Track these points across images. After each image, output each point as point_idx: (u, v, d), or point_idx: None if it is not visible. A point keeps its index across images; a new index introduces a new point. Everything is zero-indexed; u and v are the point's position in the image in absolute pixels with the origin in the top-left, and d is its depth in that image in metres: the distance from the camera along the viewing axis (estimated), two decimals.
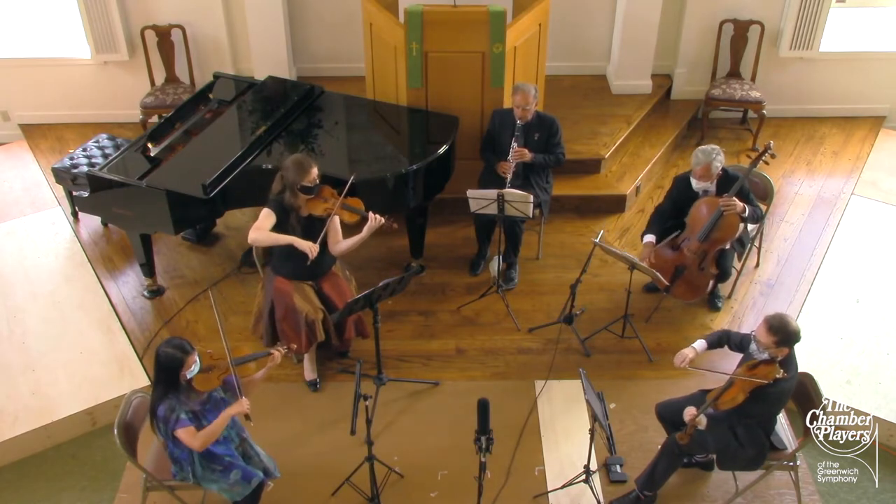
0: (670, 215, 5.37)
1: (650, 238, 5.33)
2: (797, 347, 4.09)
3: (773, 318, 4.00)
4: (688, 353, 4.32)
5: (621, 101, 7.06)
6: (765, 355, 4.03)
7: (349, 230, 4.92)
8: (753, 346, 4.12)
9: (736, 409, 4.06)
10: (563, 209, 6.34)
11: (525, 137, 5.50)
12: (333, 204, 4.77)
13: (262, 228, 4.70)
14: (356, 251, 4.97)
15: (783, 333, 3.96)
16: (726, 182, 5.14)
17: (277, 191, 4.75)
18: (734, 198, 5.03)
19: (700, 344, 4.37)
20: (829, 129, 7.30)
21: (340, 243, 4.89)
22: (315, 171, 4.69)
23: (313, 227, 4.75)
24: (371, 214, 4.76)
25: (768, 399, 4.03)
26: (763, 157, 5.14)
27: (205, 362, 3.99)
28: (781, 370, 3.97)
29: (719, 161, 5.04)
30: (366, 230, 4.78)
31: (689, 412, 4.09)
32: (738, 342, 4.34)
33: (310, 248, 4.67)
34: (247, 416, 4.02)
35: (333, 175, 5.01)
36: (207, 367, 3.99)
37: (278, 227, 4.74)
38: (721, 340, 4.41)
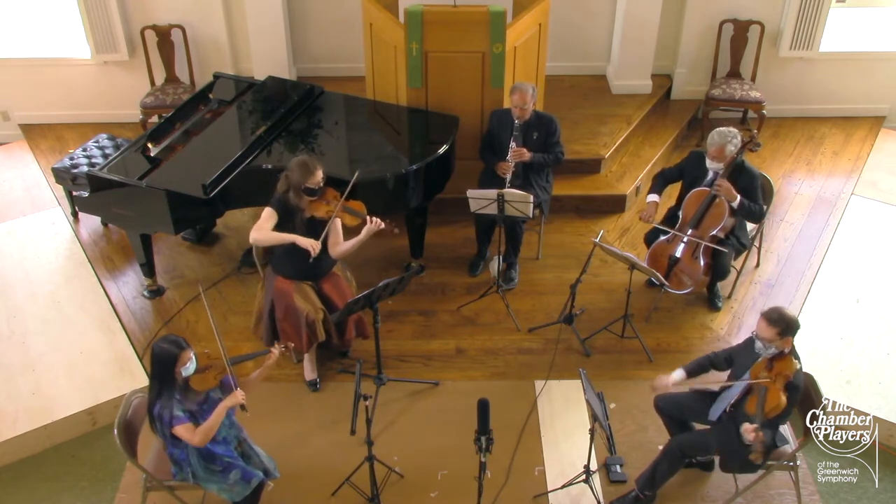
0: (672, 181, 5.49)
1: (654, 198, 5.42)
2: (798, 347, 4.09)
3: (771, 312, 4.03)
4: (666, 378, 4.29)
5: (621, 101, 7.06)
6: (772, 350, 4.04)
7: (350, 232, 4.91)
8: (759, 345, 4.11)
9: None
10: (563, 209, 6.34)
11: (524, 137, 5.50)
12: (335, 206, 4.76)
13: (263, 228, 4.70)
14: (356, 251, 4.97)
15: (784, 323, 3.98)
16: (739, 174, 5.19)
17: (282, 191, 4.74)
18: (726, 180, 5.11)
19: (679, 374, 4.33)
20: (829, 129, 7.30)
21: (340, 245, 4.88)
22: (320, 174, 4.67)
23: (315, 229, 4.74)
24: (370, 218, 4.75)
25: (797, 391, 4.02)
26: (748, 146, 5.23)
27: (202, 362, 3.98)
28: (796, 361, 4.00)
29: (733, 145, 5.12)
30: (364, 232, 4.77)
31: (748, 431, 3.96)
32: (726, 358, 4.33)
33: (311, 245, 4.65)
34: (242, 407, 3.97)
35: (334, 175, 5.00)
36: (204, 366, 3.99)
37: (280, 227, 4.73)
38: (703, 367, 4.37)
